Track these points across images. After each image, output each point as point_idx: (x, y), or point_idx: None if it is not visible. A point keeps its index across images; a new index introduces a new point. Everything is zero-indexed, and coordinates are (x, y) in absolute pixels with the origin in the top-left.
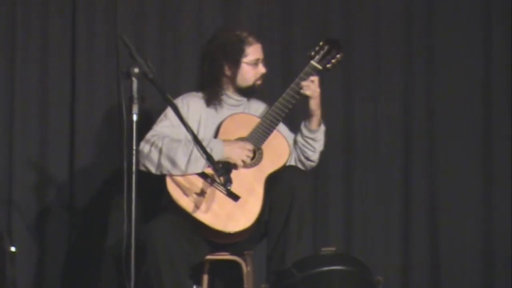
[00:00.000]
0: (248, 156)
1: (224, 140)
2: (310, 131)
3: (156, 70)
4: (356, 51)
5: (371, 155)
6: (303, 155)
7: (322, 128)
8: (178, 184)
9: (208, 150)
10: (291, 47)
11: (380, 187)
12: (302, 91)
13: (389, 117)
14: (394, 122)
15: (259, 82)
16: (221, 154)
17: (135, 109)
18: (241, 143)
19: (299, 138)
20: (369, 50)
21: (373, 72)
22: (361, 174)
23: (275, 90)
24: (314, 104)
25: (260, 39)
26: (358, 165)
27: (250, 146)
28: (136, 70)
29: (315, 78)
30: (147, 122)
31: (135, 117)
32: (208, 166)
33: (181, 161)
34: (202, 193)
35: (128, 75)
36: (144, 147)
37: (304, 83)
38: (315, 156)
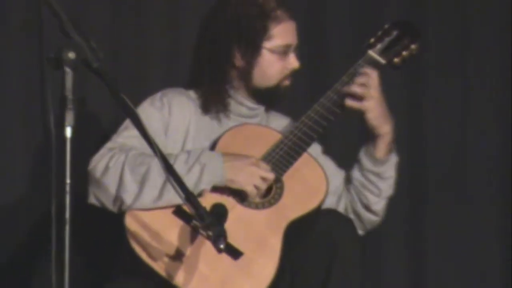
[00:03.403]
0: (264, 181)
1: (225, 154)
2: (374, 161)
3: (104, 55)
4: (432, 41)
5: (452, 194)
6: (361, 201)
7: (394, 159)
8: (143, 230)
9: (199, 167)
10: (326, 34)
11: (466, 242)
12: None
13: (480, 137)
14: (488, 145)
15: (286, 82)
16: (220, 175)
17: (69, 118)
18: (253, 159)
19: (356, 173)
20: (452, 39)
21: (458, 71)
22: (436, 223)
23: (299, 99)
24: (372, 117)
25: (294, 14)
26: (431, 209)
27: (266, 166)
28: (72, 55)
29: (372, 73)
30: (92, 139)
31: (69, 132)
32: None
33: (154, 184)
34: (182, 245)
35: (59, 64)
36: (98, 165)
37: (357, 82)
38: (379, 205)
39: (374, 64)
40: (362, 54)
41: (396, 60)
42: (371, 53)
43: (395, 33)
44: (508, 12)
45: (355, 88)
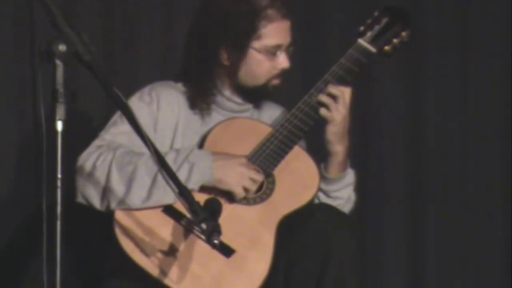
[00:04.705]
0: (253, 181)
1: (215, 153)
2: (326, 180)
3: (95, 48)
4: (430, 28)
5: (453, 193)
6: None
7: (348, 179)
8: (133, 228)
9: (188, 166)
10: (321, 23)
11: (466, 241)
12: (319, 108)
13: (480, 136)
14: (488, 144)
15: (276, 81)
16: (209, 175)
17: (60, 112)
18: (243, 160)
19: None
20: (452, 27)
21: (457, 60)
22: (436, 223)
23: (293, 91)
24: (332, 132)
25: (288, 13)
26: (431, 209)
27: (256, 167)
28: (63, 48)
29: (345, 91)
30: (82, 133)
31: (60, 126)
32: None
33: (142, 183)
34: (172, 244)
35: (49, 57)
36: (85, 163)
37: (321, 97)
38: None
39: (364, 53)
40: (352, 43)
41: (387, 48)
42: (361, 41)
43: (385, 20)
44: (508, 12)
45: (324, 99)
